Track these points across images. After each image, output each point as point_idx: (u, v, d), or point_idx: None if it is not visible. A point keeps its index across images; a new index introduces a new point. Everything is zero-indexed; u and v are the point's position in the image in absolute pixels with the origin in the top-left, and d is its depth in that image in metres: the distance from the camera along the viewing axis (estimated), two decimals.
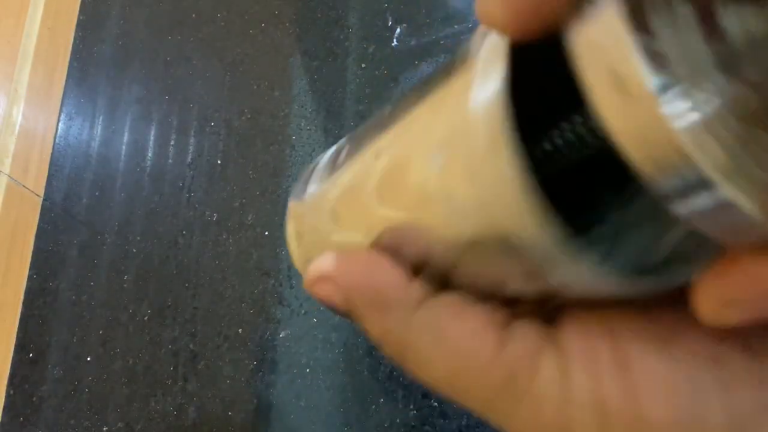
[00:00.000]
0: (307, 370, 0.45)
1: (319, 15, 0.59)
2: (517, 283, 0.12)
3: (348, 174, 0.15)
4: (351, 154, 0.16)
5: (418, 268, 0.14)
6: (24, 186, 0.52)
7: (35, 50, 0.56)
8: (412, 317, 0.13)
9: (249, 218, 0.51)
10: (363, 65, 0.56)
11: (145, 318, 0.49)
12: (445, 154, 0.12)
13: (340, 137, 0.58)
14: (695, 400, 0.12)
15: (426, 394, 0.43)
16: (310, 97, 0.55)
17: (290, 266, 0.49)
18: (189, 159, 0.54)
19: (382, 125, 0.14)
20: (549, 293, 0.12)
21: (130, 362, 0.47)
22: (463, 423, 0.42)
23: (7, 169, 0.51)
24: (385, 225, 0.14)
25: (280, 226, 0.51)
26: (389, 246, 0.14)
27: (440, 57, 0.55)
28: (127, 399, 0.46)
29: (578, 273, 0.11)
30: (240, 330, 0.47)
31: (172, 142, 0.55)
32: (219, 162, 0.54)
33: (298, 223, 0.18)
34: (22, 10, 0.57)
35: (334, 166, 0.17)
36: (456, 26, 0.57)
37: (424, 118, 0.13)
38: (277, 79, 0.56)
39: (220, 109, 0.56)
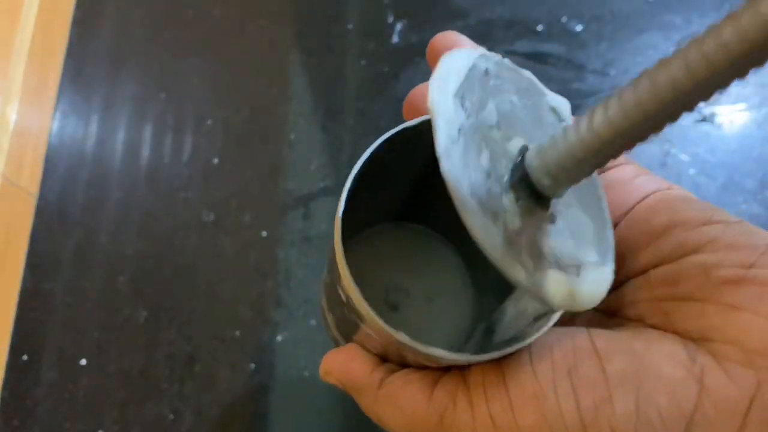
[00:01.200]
0: (305, 373, 0.44)
1: (317, 11, 0.58)
2: (411, 357, 0.18)
3: (328, 289, 0.23)
4: (326, 274, 0.23)
5: (382, 356, 0.20)
6: (18, 185, 0.51)
7: (30, 48, 0.55)
8: (377, 394, 0.20)
9: (246, 219, 0.51)
10: (363, 62, 0.55)
11: (141, 320, 0.48)
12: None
13: (340, 135, 0.57)
14: (556, 404, 0.15)
15: None
16: (309, 95, 0.54)
17: (288, 268, 0.48)
18: (185, 158, 0.53)
19: (328, 258, 0.21)
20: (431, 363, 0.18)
21: (126, 365, 0.46)
22: None
23: (1, 168, 0.50)
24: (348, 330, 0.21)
25: (278, 227, 0.50)
26: (362, 343, 0.21)
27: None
28: (122, 402, 0.45)
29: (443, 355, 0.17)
30: (237, 332, 0.47)
31: (168, 141, 0.54)
32: (216, 161, 0.53)
33: (325, 305, 0.25)
34: (16, 8, 0.56)
35: (324, 279, 0.24)
36: (458, 22, 0.56)
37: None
38: (275, 77, 0.55)
39: (217, 107, 0.55)
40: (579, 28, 0.54)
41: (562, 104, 0.19)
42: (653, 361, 0.15)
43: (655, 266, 0.17)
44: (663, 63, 0.14)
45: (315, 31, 0.57)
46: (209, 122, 0.55)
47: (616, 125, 0.15)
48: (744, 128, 0.49)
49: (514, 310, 0.20)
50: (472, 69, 0.17)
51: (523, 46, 0.54)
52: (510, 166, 0.16)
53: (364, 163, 0.19)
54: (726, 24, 0.12)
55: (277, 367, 0.45)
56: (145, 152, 0.54)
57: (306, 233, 0.49)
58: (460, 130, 0.16)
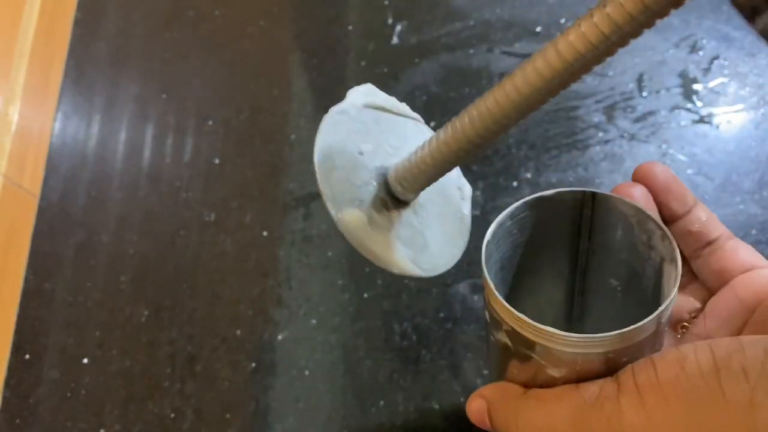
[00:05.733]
0: (306, 373, 0.45)
1: (318, 12, 0.59)
2: (558, 374, 0.21)
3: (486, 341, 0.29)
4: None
5: (525, 386, 0.24)
6: (20, 186, 0.51)
7: (31, 49, 0.56)
8: (523, 396, 0.23)
9: (247, 218, 0.51)
10: (363, 63, 0.56)
11: (142, 319, 0.48)
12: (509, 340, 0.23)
13: None
14: (695, 360, 0.18)
15: (427, 397, 0.43)
16: (310, 95, 0.55)
17: (289, 267, 0.49)
18: (186, 158, 0.54)
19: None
20: (577, 377, 0.21)
21: (127, 364, 0.47)
22: (464, 426, 0.42)
23: (3, 169, 0.50)
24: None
25: (279, 227, 0.50)
26: (510, 379, 0.24)
27: (441, 55, 0.55)
28: (124, 401, 0.45)
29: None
30: (238, 332, 0.47)
31: (170, 141, 0.54)
32: (217, 161, 0.53)
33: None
34: (18, 8, 0.56)
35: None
36: (457, 23, 0.56)
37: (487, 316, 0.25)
38: (276, 77, 0.56)
39: (218, 108, 0.55)
40: None
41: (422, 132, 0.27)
42: None
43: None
44: (475, 105, 0.21)
45: (315, 31, 0.58)
46: (210, 123, 0.55)
47: (444, 150, 0.22)
48: (742, 129, 0.49)
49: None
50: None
51: (522, 47, 0.54)
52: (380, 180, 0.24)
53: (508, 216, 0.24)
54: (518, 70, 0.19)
55: (277, 366, 0.45)
56: (147, 152, 0.54)
57: (306, 233, 0.50)
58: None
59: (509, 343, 0.22)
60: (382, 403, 0.43)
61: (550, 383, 0.22)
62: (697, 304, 0.26)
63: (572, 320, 0.31)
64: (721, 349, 0.18)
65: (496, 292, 0.21)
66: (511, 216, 0.24)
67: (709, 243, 0.25)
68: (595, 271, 0.28)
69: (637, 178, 0.25)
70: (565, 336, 0.19)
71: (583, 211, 0.25)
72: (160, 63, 0.58)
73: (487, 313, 0.23)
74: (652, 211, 0.24)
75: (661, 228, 0.22)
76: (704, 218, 0.25)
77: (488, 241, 0.23)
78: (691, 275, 0.26)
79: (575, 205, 0.25)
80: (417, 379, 0.43)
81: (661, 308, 0.20)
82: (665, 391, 0.18)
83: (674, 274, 0.21)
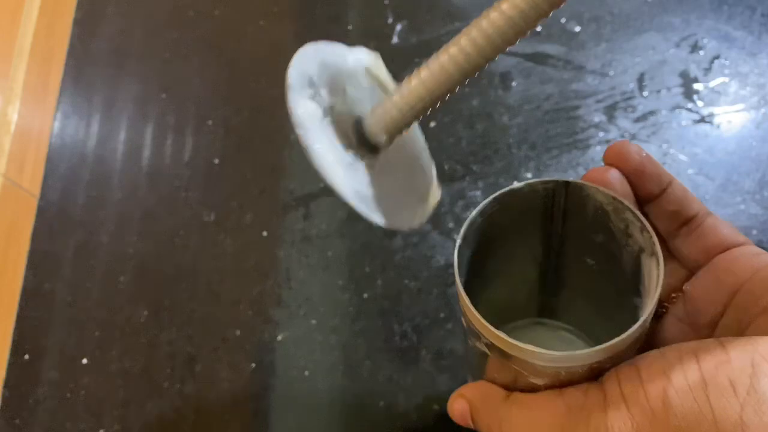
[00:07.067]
0: (306, 373, 0.45)
1: (318, 12, 0.59)
2: (540, 382, 0.21)
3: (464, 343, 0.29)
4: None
5: (506, 388, 0.23)
6: (19, 186, 0.51)
7: (31, 48, 0.55)
8: (507, 400, 0.22)
9: (247, 218, 0.51)
10: None
11: (142, 320, 0.48)
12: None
13: None
14: (683, 373, 0.18)
15: (427, 398, 0.43)
16: None
17: (289, 268, 0.49)
18: (186, 158, 0.54)
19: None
20: (564, 383, 0.21)
21: (127, 364, 0.47)
22: (464, 427, 0.42)
23: (2, 169, 0.50)
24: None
25: (279, 227, 0.50)
26: (489, 380, 0.24)
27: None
28: (123, 401, 0.45)
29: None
30: (238, 332, 0.47)
31: (169, 141, 0.54)
32: (216, 161, 0.53)
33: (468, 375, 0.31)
34: (17, 8, 0.56)
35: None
36: (457, 23, 0.56)
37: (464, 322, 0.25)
38: (276, 77, 0.55)
39: (218, 108, 0.55)
40: (578, 28, 0.55)
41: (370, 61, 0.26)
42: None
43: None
44: (447, 46, 0.21)
45: (315, 31, 0.57)
46: (210, 122, 0.55)
47: (422, 89, 0.21)
48: (742, 128, 0.49)
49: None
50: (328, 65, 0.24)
51: (523, 46, 0.54)
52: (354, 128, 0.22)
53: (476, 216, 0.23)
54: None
55: (277, 366, 0.45)
56: (146, 152, 0.54)
57: (306, 233, 0.50)
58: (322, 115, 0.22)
59: (488, 352, 0.22)
60: (382, 403, 0.43)
61: (533, 389, 0.22)
62: (677, 285, 0.25)
63: (546, 294, 0.31)
64: (708, 361, 0.17)
65: (472, 308, 0.21)
66: (482, 213, 0.23)
67: (687, 221, 0.24)
68: (569, 252, 0.28)
69: (610, 160, 0.24)
70: (549, 354, 0.19)
71: (555, 199, 0.24)
72: (160, 63, 0.58)
73: (463, 320, 0.23)
74: (629, 200, 0.23)
75: (639, 220, 0.22)
76: (681, 196, 0.24)
77: (460, 246, 0.23)
78: (669, 254, 0.25)
79: (548, 194, 0.24)
80: (417, 379, 0.43)
81: (644, 316, 0.20)
82: (653, 405, 0.17)
83: (656, 273, 0.21)
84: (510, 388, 0.23)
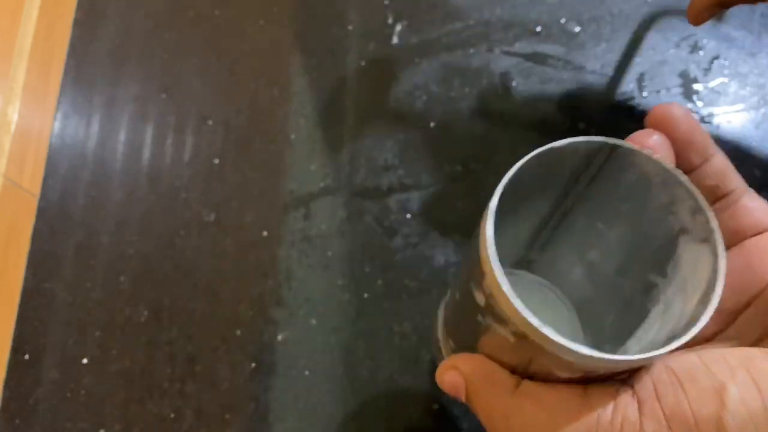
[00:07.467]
0: (306, 373, 0.45)
1: (318, 12, 0.59)
2: (561, 373, 0.18)
3: (456, 307, 0.24)
4: (453, 293, 0.24)
5: (513, 370, 0.20)
6: (19, 186, 0.51)
7: (31, 48, 0.55)
8: (515, 391, 0.19)
9: (247, 218, 0.51)
10: (363, 63, 0.55)
11: (142, 320, 0.48)
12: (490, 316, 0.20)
13: (340, 135, 0.57)
14: (738, 395, 0.15)
15: (427, 398, 0.43)
16: (310, 95, 0.55)
17: (288, 268, 0.49)
18: (186, 158, 0.54)
19: (467, 264, 0.21)
20: (588, 376, 0.18)
21: (127, 364, 0.47)
22: (465, 427, 0.42)
23: (2, 169, 0.50)
24: (489, 340, 0.20)
25: (279, 227, 0.50)
26: (493, 357, 0.21)
27: (441, 55, 0.55)
28: (123, 401, 0.45)
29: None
30: (238, 332, 0.47)
31: (169, 141, 0.54)
32: (216, 161, 0.53)
33: (442, 336, 0.28)
34: (17, 8, 0.56)
35: (446, 304, 0.27)
36: (457, 23, 0.56)
37: (468, 284, 0.21)
38: (276, 77, 0.56)
39: (218, 108, 0.55)
40: (578, 29, 0.55)
41: None
42: None
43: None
44: None
45: (315, 31, 0.57)
46: (210, 122, 0.55)
47: None
48: (742, 128, 0.49)
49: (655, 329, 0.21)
50: None
51: (523, 47, 0.54)
52: None
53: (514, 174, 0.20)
54: None
55: (277, 366, 0.45)
56: (146, 152, 0.54)
57: (306, 233, 0.50)
58: None
59: (509, 338, 0.19)
60: (382, 403, 0.43)
61: (546, 378, 0.19)
62: None
63: (530, 249, 0.29)
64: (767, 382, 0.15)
65: (511, 291, 0.17)
66: (518, 171, 0.20)
67: (723, 196, 0.22)
68: (579, 214, 0.25)
69: (654, 124, 0.21)
70: (596, 356, 0.16)
71: (592, 161, 0.22)
72: (160, 63, 0.58)
73: (479, 295, 0.19)
74: (686, 177, 0.20)
75: (695, 199, 0.19)
76: (722, 170, 0.21)
77: (496, 210, 0.19)
78: None
79: (589, 154, 0.21)
80: (417, 379, 0.43)
81: (704, 321, 0.17)
82: (703, 431, 0.15)
83: (709, 265, 0.18)
84: (516, 370, 0.20)
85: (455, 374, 0.20)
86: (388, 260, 0.47)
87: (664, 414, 0.16)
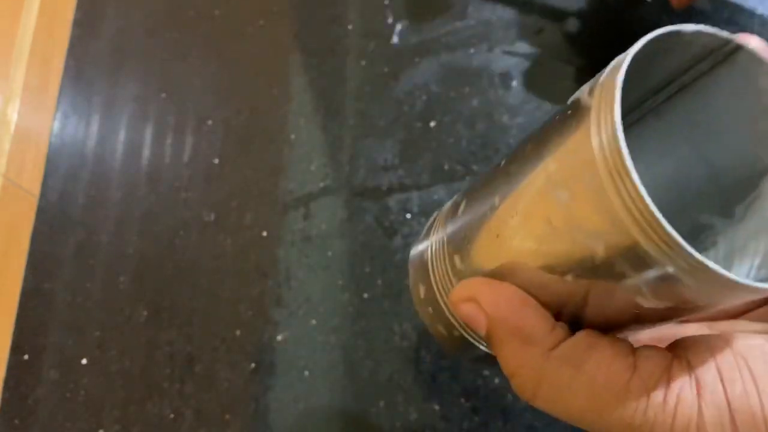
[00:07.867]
0: (306, 373, 0.45)
1: (318, 12, 0.59)
2: (647, 302, 0.14)
3: (474, 221, 0.18)
4: (471, 205, 0.19)
5: (556, 311, 0.16)
6: (19, 186, 0.51)
7: (31, 49, 0.55)
8: (551, 353, 0.15)
9: (247, 218, 0.51)
10: (363, 63, 0.55)
11: (141, 320, 0.48)
12: (571, 190, 0.14)
13: (340, 136, 0.57)
14: None
15: (427, 398, 0.43)
16: (309, 95, 0.55)
17: (288, 267, 0.49)
18: (186, 158, 0.54)
19: (501, 174, 0.17)
20: (673, 310, 0.15)
21: (127, 364, 0.47)
22: (465, 426, 0.42)
23: (2, 169, 0.50)
24: (513, 260, 0.16)
25: (279, 227, 0.50)
26: (527, 287, 0.16)
27: (441, 54, 0.55)
28: (123, 402, 0.45)
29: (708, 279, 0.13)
30: (238, 332, 0.47)
31: (169, 141, 0.54)
32: (216, 161, 0.53)
33: (423, 269, 0.21)
34: (17, 8, 0.56)
35: (454, 218, 0.20)
36: (457, 23, 0.56)
37: (545, 164, 0.15)
38: (276, 77, 0.56)
39: (218, 108, 0.55)
40: (578, 29, 0.55)
41: None
42: None
43: None
44: None
45: (315, 31, 0.57)
46: (210, 122, 0.55)
47: None
48: None
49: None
50: None
51: (523, 46, 0.54)
52: None
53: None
54: None
55: (277, 366, 0.45)
56: (146, 152, 0.54)
57: (306, 233, 0.49)
58: None
59: (616, 268, 0.14)
60: (382, 403, 0.43)
61: (599, 319, 0.15)
62: None
63: None
64: None
65: (655, 208, 0.13)
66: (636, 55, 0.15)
67: None
68: (653, 125, 0.20)
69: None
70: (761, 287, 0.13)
71: (695, 65, 0.17)
72: (159, 63, 0.58)
73: (582, 216, 0.14)
74: None
75: None
76: None
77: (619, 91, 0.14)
78: None
79: (702, 52, 0.17)
80: (417, 379, 0.43)
81: None
82: None
83: None
84: (564, 309, 0.16)
85: (474, 310, 0.16)
86: (388, 260, 0.47)
87: (728, 404, 0.13)
